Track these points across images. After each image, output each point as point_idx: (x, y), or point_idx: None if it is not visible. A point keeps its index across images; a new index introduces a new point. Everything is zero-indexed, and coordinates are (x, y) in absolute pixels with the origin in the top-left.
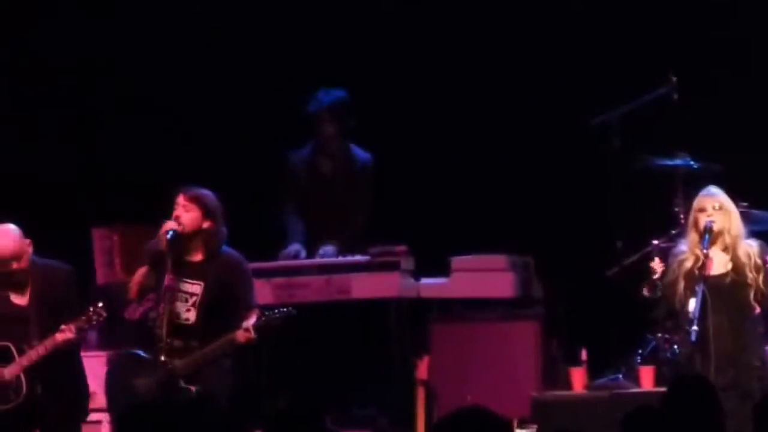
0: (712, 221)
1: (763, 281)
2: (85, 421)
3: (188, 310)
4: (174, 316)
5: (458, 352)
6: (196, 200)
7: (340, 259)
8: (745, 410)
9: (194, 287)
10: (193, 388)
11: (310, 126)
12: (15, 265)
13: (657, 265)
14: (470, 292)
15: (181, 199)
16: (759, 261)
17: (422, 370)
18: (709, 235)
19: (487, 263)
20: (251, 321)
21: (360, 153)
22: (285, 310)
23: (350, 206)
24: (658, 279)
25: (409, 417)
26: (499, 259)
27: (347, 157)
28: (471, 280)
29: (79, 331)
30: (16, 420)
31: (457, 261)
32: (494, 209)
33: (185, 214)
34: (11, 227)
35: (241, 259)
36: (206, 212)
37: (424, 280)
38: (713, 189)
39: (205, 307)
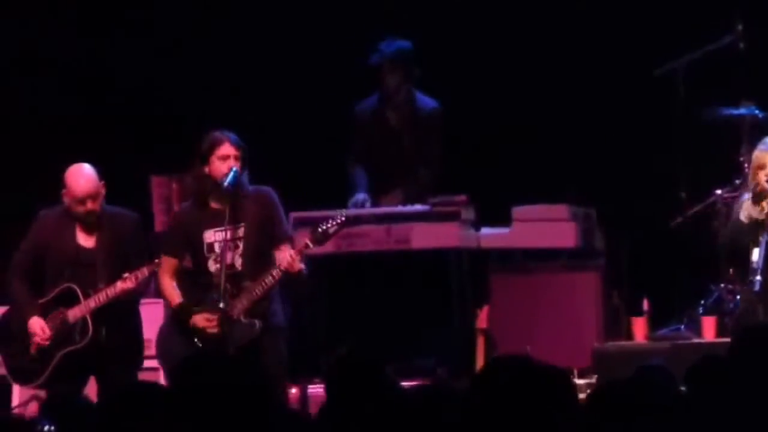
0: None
1: None
2: (140, 369)
3: (241, 256)
4: (227, 267)
5: (519, 303)
6: (243, 150)
7: (400, 208)
8: None
9: (238, 231)
10: (257, 322)
11: (374, 77)
12: (90, 204)
13: None
14: (531, 242)
15: (233, 150)
16: None
17: (482, 319)
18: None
19: (549, 213)
20: (290, 250)
21: (427, 101)
22: (338, 218)
23: (417, 156)
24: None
25: (469, 367)
26: (561, 209)
27: (413, 107)
28: (532, 230)
29: (143, 279)
30: (79, 361)
31: (518, 211)
32: (557, 159)
33: (237, 164)
34: (87, 166)
35: (272, 190)
36: (245, 159)
37: (485, 230)
38: None
39: (250, 246)
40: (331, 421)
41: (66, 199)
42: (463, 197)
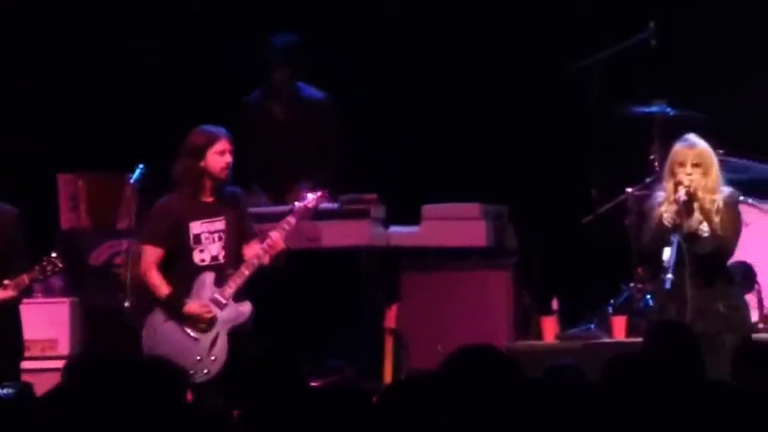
0: (686, 194)
1: (720, 222)
2: (20, 368)
3: (224, 248)
4: (211, 258)
5: (429, 301)
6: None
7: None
8: (717, 359)
9: (219, 224)
10: (248, 304)
11: (264, 71)
12: None
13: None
14: (441, 241)
15: (228, 145)
16: (721, 204)
17: (390, 319)
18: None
19: (460, 212)
20: (269, 240)
21: (313, 93)
22: (317, 193)
23: (310, 150)
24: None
25: (378, 367)
26: (472, 208)
27: (298, 100)
28: (442, 228)
29: (23, 288)
30: None
31: (428, 209)
32: (468, 156)
33: (231, 158)
34: None
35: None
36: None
37: (394, 228)
38: (693, 138)
39: (231, 239)
40: (244, 419)
41: None
42: (372, 195)
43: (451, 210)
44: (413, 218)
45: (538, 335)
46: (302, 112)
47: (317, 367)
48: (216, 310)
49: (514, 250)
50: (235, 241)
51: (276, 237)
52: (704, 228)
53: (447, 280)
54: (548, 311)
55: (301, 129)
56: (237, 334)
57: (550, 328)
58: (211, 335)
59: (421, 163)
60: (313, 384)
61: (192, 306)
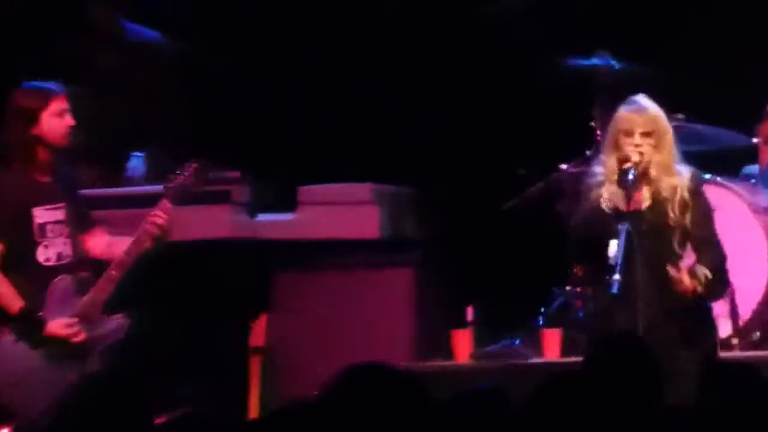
0: (635, 165)
1: (691, 221)
2: None
3: (68, 243)
4: (57, 256)
5: (308, 310)
6: None
7: (149, 188)
8: (674, 381)
9: (59, 212)
10: (121, 316)
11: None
12: None
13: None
14: (323, 232)
15: (67, 104)
16: (687, 196)
17: (258, 334)
18: (633, 178)
19: (346, 194)
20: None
21: (145, 33)
22: (192, 166)
23: (146, 109)
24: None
25: (242, 393)
26: (362, 189)
27: (127, 44)
28: (325, 216)
29: None
30: None
31: (306, 191)
32: (358, 123)
33: (71, 120)
34: None
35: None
36: None
37: (263, 216)
38: (641, 100)
39: (75, 230)
40: None
41: None
42: (235, 173)
43: (335, 192)
44: (287, 203)
45: (448, 353)
46: (132, 60)
47: (163, 396)
48: (86, 328)
49: (417, 242)
50: (78, 234)
51: (152, 227)
52: None
53: (331, 282)
54: (461, 323)
55: (133, 81)
56: (110, 355)
57: (463, 344)
58: (81, 361)
59: (298, 132)
60: (156, 420)
61: (56, 325)
